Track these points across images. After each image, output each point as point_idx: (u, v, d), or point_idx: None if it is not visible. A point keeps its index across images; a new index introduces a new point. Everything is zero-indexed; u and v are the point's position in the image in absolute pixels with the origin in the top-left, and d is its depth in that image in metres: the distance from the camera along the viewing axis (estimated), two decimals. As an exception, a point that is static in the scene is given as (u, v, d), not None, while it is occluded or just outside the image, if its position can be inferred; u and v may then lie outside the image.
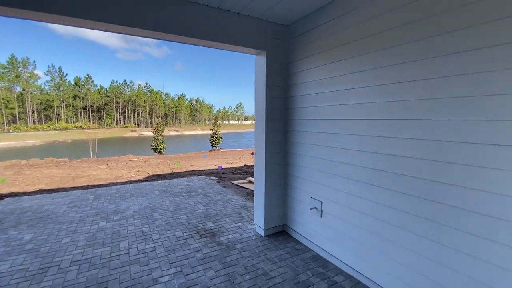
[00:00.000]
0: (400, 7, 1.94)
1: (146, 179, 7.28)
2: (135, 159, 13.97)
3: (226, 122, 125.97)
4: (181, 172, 8.40)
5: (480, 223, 1.56)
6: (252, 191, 5.34)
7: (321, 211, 2.78)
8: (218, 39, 2.71)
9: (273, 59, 3.09)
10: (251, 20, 2.88)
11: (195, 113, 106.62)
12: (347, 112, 2.43)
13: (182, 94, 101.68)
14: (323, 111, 2.71)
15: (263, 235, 3.27)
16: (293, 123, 3.15)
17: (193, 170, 8.64)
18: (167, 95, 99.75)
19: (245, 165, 10.08)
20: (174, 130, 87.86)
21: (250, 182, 6.30)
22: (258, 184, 3.33)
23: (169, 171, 8.75)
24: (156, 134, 29.20)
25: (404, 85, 1.94)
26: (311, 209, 2.88)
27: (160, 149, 28.21)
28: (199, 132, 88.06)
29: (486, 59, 1.51)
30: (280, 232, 3.39)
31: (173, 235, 3.34)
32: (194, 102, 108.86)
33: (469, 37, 1.57)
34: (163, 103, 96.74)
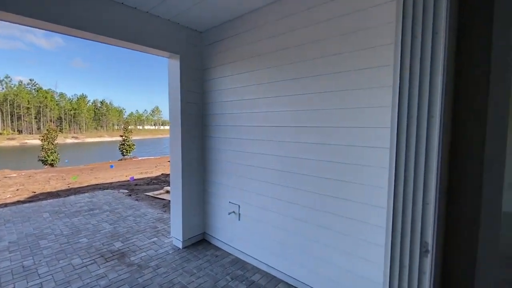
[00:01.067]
0: (289, 31, 2.23)
1: (30, 199, 5.84)
2: (14, 174, 11.05)
3: (141, 127, 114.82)
4: (81, 187, 7.14)
5: (358, 209, 1.93)
6: (170, 201, 5.02)
7: (239, 214, 2.87)
8: (129, 39, 2.49)
9: (188, 64, 3.02)
10: (163, 21, 2.74)
11: (100, 117, 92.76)
12: (259, 119, 2.61)
13: (83, 95, 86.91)
14: (238, 118, 2.81)
15: (181, 247, 3.12)
16: (210, 129, 3.15)
17: (97, 184, 7.46)
18: (62, 95, 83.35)
19: (162, 174, 9.40)
20: (73, 137, 74.14)
21: (167, 192, 5.91)
22: (174, 193, 3.16)
23: (65, 187, 7.29)
24: (45, 143, 23.86)
25: (304, 96, 2.23)
26: (229, 213, 2.93)
27: (52, 160, 23.20)
28: (106, 139, 77.11)
29: (353, 80, 1.89)
30: (200, 241, 3.30)
31: (68, 264, 2.78)
32: (99, 105, 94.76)
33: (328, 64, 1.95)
34: (56, 104, 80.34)
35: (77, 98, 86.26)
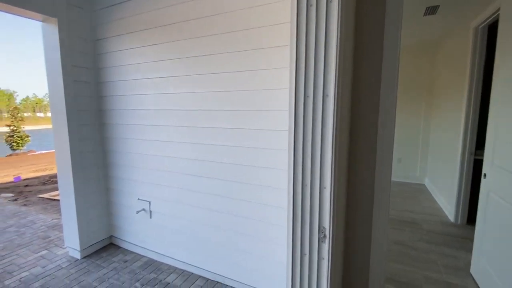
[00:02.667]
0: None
1: None
2: None
3: (42, 114, 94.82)
4: None
5: (271, 195, 1.89)
6: (71, 202, 4.19)
7: (150, 211, 2.53)
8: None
9: (71, 31, 2.38)
10: (22, -31, 2.04)
11: (-21, 103, 72.19)
12: (168, 101, 2.27)
13: None
14: (143, 101, 2.40)
15: (79, 257, 2.59)
16: (109, 115, 2.62)
17: (-34, 189, 5.70)
18: None
19: (67, 170, 7.88)
20: None
21: (70, 191, 4.94)
22: (64, 195, 2.56)
23: None
24: None
25: (215, 76, 2.01)
26: (138, 212, 2.55)
27: None
28: (-9, 130, 61.19)
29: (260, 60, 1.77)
30: (105, 246, 2.82)
31: None
32: (-24, 87, 73.25)
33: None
34: None
35: None
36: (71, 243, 2.62)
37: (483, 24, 2.82)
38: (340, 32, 0.95)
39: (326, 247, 1.06)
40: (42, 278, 2.31)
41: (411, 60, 4.75)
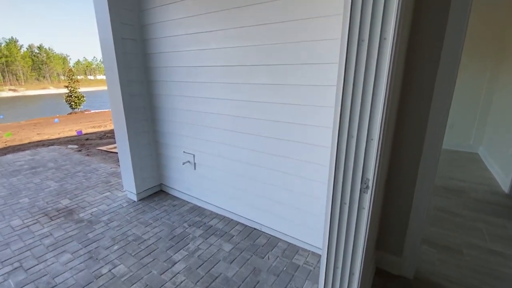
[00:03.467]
0: None
1: (-44, 161, 5.07)
2: None
3: (92, 77, 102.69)
4: (21, 144, 6.35)
5: (308, 151, 1.90)
6: (125, 154, 4.70)
7: (194, 163, 2.74)
8: None
9: (117, -12, 2.42)
10: None
11: (40, 66, 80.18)
12: (210, 57, 2.29)
13: (13, 38, 72.44)
14: (186, 57, 2.45)
15: (136, 200, 2.99)
16: (155, 72, 2.75)
17: (40, 141, 6.69)
18: (-17, 38, 68.72)
19: (118, 127, 8.71)
20: (10, 89, 64.40)
21: (122, 145, 5.51)
22: (121, 146, 2.88)
23: (0, 146, 6.43)
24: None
25: (258, 29, 1.94)
26: (183, 163, 2.79)
27: (-18, 116, 20.16)
28: (51, 91, 68.59)
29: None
30: (156, 192, 3.19)
31: (6, 226, 2.53)
32: (36, 51, 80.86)
33: (304, -19, 1.65)
34: (-21, 51, 66.76)
35: (6, 42, 71.82)
36: (129, 187, 3.01)
37: None
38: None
39: (367, 197, 1.07)
40: (108, 213, 2.74)
41: (481, 11, 4.00)
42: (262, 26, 1.90)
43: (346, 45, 0.98)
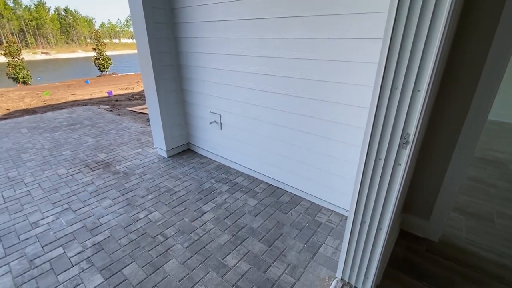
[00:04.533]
0: None
1: (5, 117, 5.57)
2: (-16, 93, 10.30)
3: (117, 40, 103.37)
4: (59, 104, 6.77)
5: (340, 111, 1.83)
6: (153, 115, 4.87)
7: (221, 123, 2.78)
8: None
9: None
10: None
11: (68, 29, 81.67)
12: (237, 10, 2.17)
13: (41, 0, 73.38)
14: (214, 11, 2.35)
15: (166, 156, 3.15)
16: (182, 28, 2.69)
17: (75, 100, 7.08)
18: (16, 1, 70.26)
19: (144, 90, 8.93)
20: (43, 52, 67.05)
21: (150, 106, 5.68)
22: (151, 105, 2.96)
23: (41, 104, 6.91)
24: (10, 58, 21.49)
25: (291, -25, 1.78)
26: (210, 123, 2.84)
27: (23, 78, 21.44)
28: (80, 54, 70.49)
29: None
30: (184, 151, 3.33)
31: (54, 174, 2.81)
32: (63, 13, 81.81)
33: None
34: (13, 13, 68.66)
35: (35, 5, 73.12)
36: (159, 144, 3.16)
37: None
38: None
39: (405, 153, 1.04)
40: (142, 167, 2.93)
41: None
42: (297, -28, 1.74)
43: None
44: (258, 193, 2.43)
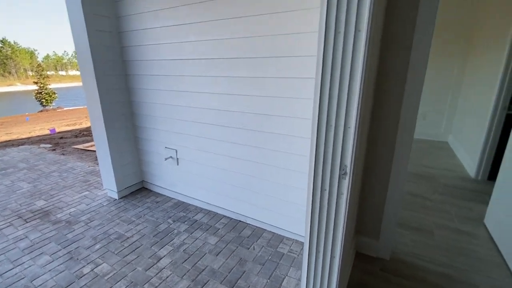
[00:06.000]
0: None
1: None
2: None
3: (64, 72, 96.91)
4: (-12, 144, 5.92)
5: (288, 143, 1.95)
6: (103, 152, 4.53)
7: (177, 158, 2.71)
8: None
9: (88, -23, 2.31)
10: None
11: (5, 61, 74.39)
12: (189, 50, 2.26)
13: (-30, 30, 66.07)
14: (165, 50, 2.40)
15: (117, 198, 2.91)
16: (133, 66, 2.67)
17: (9, 140, 6.28)
18: None
19: (94, 125, 8.35)
20: (-30, 87, 59.38)
21: (100, 143, 5.31)
22: (99, 143, 2.78)
23: (-36, 147, 5.96)
24: None
25: (236, 21, 1.94)
26: (166, 159, 2.75)
27: None
28: (19, 88, 64.17)
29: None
30: (139, 190, 3.13)
31: (-25, 231, 2.38)
32: (0, 44, 74.83)
33: (282, -26, 1.67)
34: None
35: (-38, 34, 65.77)
36: (109, 185, 2.93)
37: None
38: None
39: (346, 183, 1.13)
40: (88, 213, 2.65)
41: (449, 9, 4.23)
42: (240, 19, 1.91)
43: (323, 38, 1.01)
44: (219, 229, 2.36)
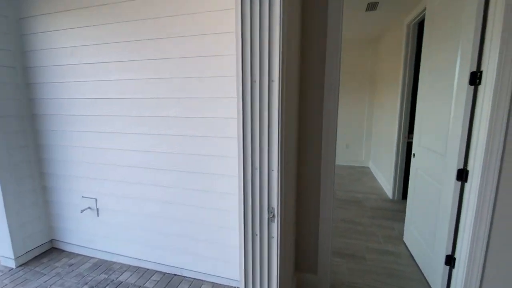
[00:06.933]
0: (148, -23, 1.82)
1: None
2: None
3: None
4: None
5: (217, 183, 1.90)
6: None
7: (97, 209, 2.34)
8: None
9: (-16, 6, 2.02)
10: None
11: None
12: (111, 89, 2.09)
13: None
14: (82, 88, 2.17)
15: (14, 266, 2.30)
16: (40, 105, 2.32)
17: None
18: None
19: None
20: None
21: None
22: (-11, 198, 2.23)
23: None
24: None
25: (162, 61, 1.91)
26: (82, 211, 2.35)
27: None
28: None
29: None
30: (46, 252, 2.55)
31: None
32: None
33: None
34: None
35: None
36: (3, 251, 2.31)
37: (414, 21, 3.16)
38: (282, 23, 0.98)
39: (275, 226, 1.12)
40: (-35, 294, 2.00)
41: (357, 52, 5.12)
42: (166, 60, 1.89)
43: (241, 85, 1.05)
44: (149, 288, 2.04)
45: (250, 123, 1.06)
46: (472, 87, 1.52)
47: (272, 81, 1.02)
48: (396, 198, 3.68)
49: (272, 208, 1.10)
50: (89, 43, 2.08)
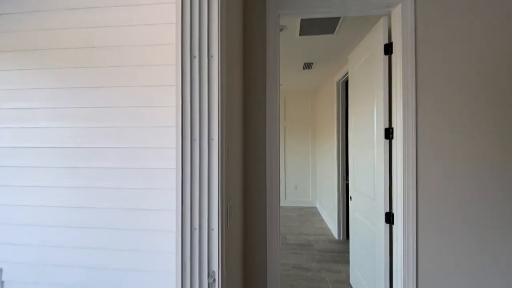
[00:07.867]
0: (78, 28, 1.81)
1: None
2: None
3: None
4: None
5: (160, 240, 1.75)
6: None
7: (2, 282, 1.87)
8: None
9: None
10: None
11: None
12: (36, 137, 1.86)
13: None
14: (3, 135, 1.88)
15: None
16: None
17: None
18: None
19: None
20: None
21: None
22: None
23: None
24: None
25: (101, 110, 1.81)
26: (-24, 287, 1.85)
27: None
28: None
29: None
30: None
31: None
32: None
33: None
34: None
35: None
36: None
37: (342, 80, 3.72)
38: (220, 80, 1.06)
39: (216, 291, 1.04)
40: None
41: (299, 103, 5.69)
42: (103, 109, 1.80)
43: (180, 143, 1.05)
44: None
45: (190, 178, 1.04)
46: (388, 140, 1.79)
47: (212, 139, 1.04)
48: (341, 238, 3.84)
49: (212, 271, 1.04)
50: (18, 88, 1.87)
